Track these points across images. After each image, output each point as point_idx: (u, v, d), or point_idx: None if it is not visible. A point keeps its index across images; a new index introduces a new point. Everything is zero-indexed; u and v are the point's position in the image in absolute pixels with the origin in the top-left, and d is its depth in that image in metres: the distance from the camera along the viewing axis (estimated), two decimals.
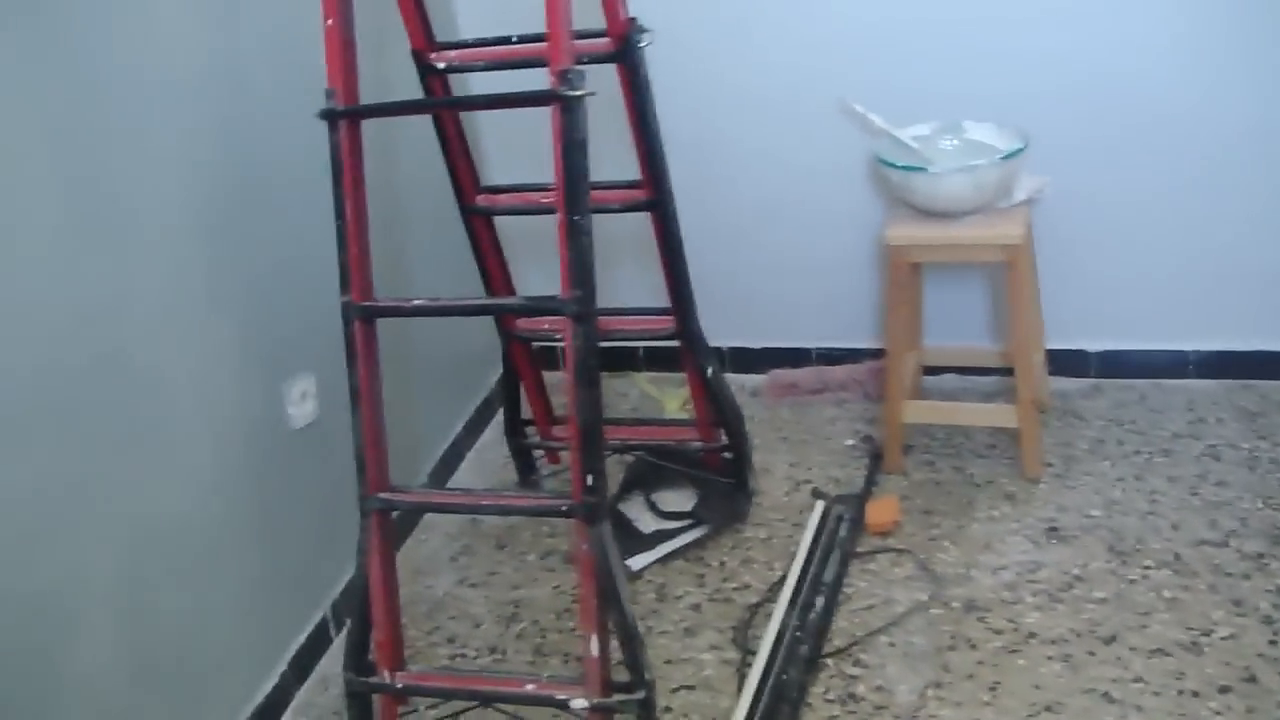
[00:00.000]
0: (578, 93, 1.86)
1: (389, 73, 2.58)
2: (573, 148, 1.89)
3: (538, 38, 2.24)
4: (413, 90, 2.45)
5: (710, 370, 2.67)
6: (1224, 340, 3.03)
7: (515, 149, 2.81)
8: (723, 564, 2.65)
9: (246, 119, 2.28)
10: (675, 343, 2.66)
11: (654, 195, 2.46)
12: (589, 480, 1.97)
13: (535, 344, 2.84)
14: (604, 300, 2.04)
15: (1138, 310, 3.06)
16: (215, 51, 2.21)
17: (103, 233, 1.91)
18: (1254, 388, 3.02)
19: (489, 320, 3.22)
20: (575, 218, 1.90)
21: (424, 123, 2.52)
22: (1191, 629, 2.25)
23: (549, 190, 2.46)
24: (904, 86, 2.88)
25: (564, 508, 2.00)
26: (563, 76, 1.87)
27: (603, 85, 2.04)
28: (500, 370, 3.37)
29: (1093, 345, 3.13)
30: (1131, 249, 2.98)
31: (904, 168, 2.61)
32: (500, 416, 3.29)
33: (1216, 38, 2.70)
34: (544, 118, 1.90)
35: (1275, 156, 2.78)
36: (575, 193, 1.90)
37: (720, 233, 3.10)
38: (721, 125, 3.06)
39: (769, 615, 2.40)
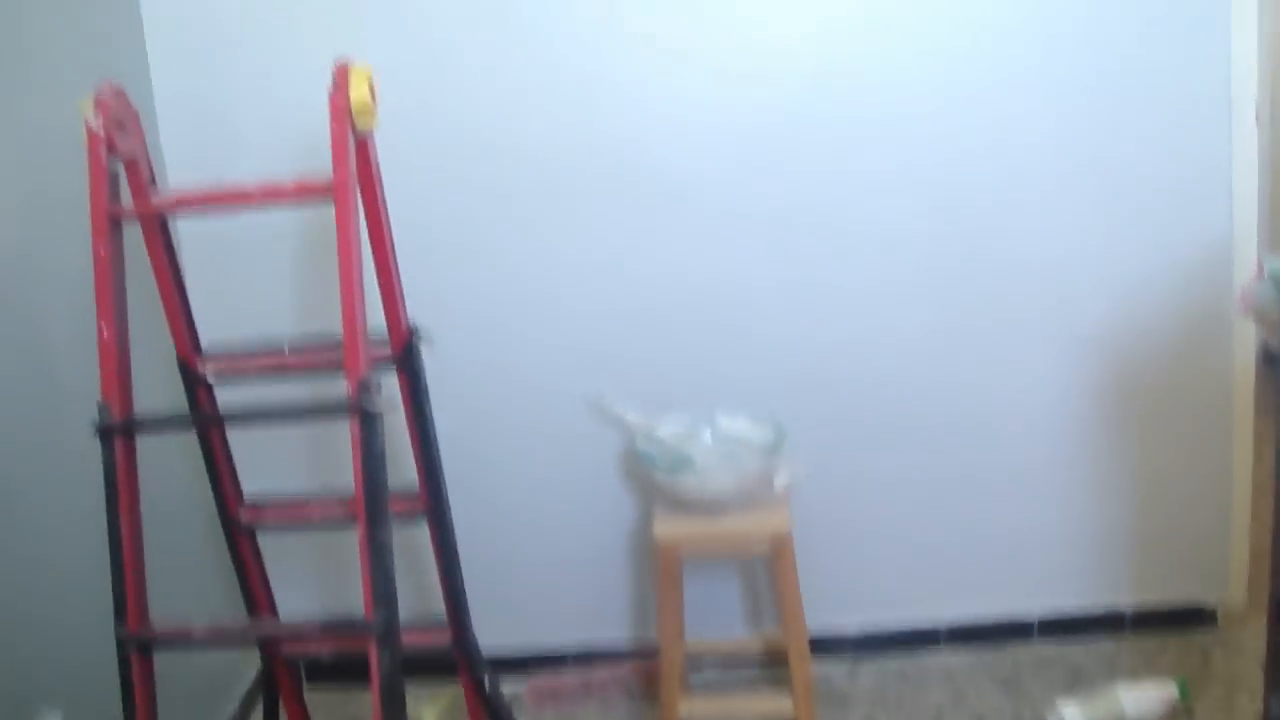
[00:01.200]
0: (378, 407, 1.83)
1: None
2: (372, 460, 1.84)
3: (309, 346, 2.20)
4: (158, 395, 2.32)
5: (487, 680, 2.57)
6: (971, 610, 3.14)
7: (254, 457, 2.67)
8: None
9: None
10: (451, 654, 2.56)
11: (431, 504, 2.40)
12: None
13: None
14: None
15: (887, 589, 3.14)
16: None
17: None
18: (1004, 653, 3.12)
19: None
20: (378, 532, 1.83)
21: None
22: None
23: (314, 502, 2.39)
24: (658, 378, 2.94)
25: None
26: (362, 386, 1.83)
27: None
28: (245, 689, 3.15)
29: (847, 627, 3.19)
30: (877, 529, 3.08)
31: (669, 466, 2.64)
32: None
33: (946, 327, 2.90)
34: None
35: (1005, 436, 2.98)
36: (377, 507, 1.84)
37: (468, 539, 3.03)
38: (468, 428, 3.02)
39: None
